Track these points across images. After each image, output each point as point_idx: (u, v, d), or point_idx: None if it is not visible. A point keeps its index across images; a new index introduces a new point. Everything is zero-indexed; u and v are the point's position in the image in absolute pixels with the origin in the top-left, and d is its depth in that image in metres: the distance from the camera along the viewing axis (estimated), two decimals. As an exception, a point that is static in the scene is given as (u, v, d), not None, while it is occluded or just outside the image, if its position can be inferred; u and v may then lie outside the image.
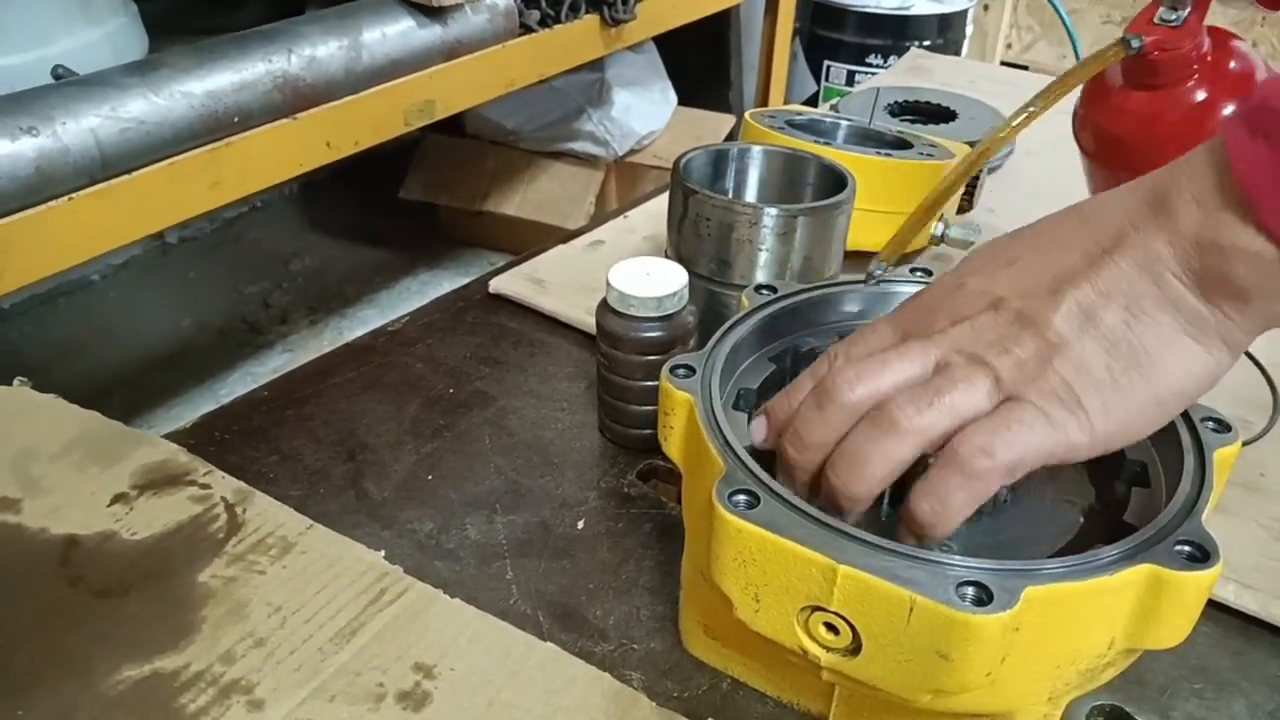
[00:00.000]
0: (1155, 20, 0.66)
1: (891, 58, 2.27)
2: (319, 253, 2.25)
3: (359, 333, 0.78)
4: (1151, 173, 0.40)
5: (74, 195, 0.90)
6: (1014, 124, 0.60)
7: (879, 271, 0.54)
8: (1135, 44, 0.65)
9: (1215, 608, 0.54)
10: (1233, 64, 0.68)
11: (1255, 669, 0.51)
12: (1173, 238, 0.38)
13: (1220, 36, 0.69)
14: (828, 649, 0.40)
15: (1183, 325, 0.38)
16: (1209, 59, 0.67)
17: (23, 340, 1.87)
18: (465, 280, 0.85)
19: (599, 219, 0.94)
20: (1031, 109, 0.60)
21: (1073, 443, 0.38)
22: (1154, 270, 0.38)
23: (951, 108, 1.04)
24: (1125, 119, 0.71)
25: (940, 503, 0.39)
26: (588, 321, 0.75)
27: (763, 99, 2.16)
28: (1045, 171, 1.04)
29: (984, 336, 0.40)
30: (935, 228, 0.82)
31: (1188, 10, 0.65)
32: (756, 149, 0.74)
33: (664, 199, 0.73)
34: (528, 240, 1.30)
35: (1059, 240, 0.41)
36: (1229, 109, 0.67)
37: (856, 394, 0.41)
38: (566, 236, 0.90)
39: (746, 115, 0.82)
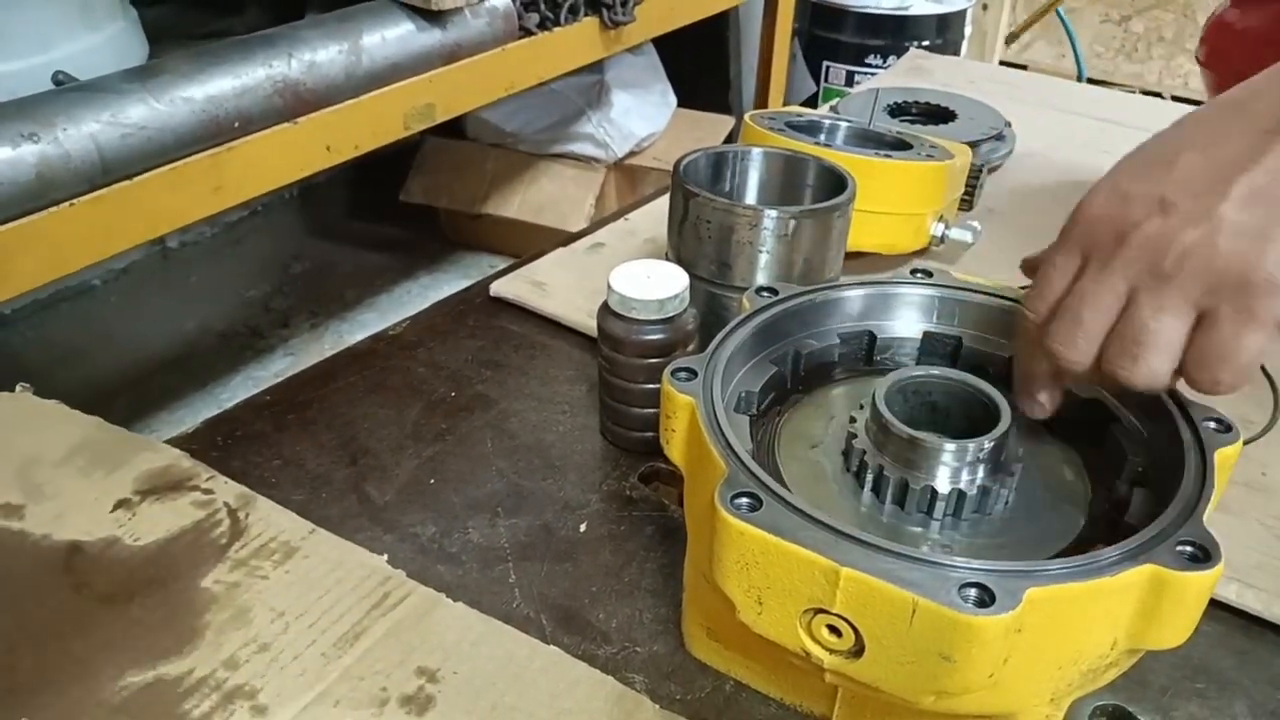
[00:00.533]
0: None
1: (890, 58, 2.27)
2: (320, 256, 2.25)
3: (360, 336, 0.78)
4: None
5: (75, 201, 0.90)
6: None
7: None
8: None
9: (1217, 607, 0.54)
10: None
11: (1258, 668, 0.51)
12: None
13: None
14: (830, 651, 0.40)
15: None
16: None
17: (24, 346, 1.87)
18: (465, 283, 0.85)
19: (599, 221, 0.94)
20: None
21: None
22: None
23: (951, 108, 1.04)
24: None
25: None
26: (589, 324, 0.75)
27: (762, 100, 2.16)
28: (1044, 171, 1.04)
29: (1160, 246, 0.41)
30: (935, 228, 0.82)
31: None
32: (756, 151, 0.74)
33: (664, 201, 0.73)
34: (528, 243, 1.30)
35: (1217, 131, 0.42)
36: None
37: (1080, 354, 0.44)
38: (567, 239, 0.90)
39: (746, 117, 0.82)
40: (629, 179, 2.11)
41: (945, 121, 1.02)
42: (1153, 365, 0.42)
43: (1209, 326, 0.41)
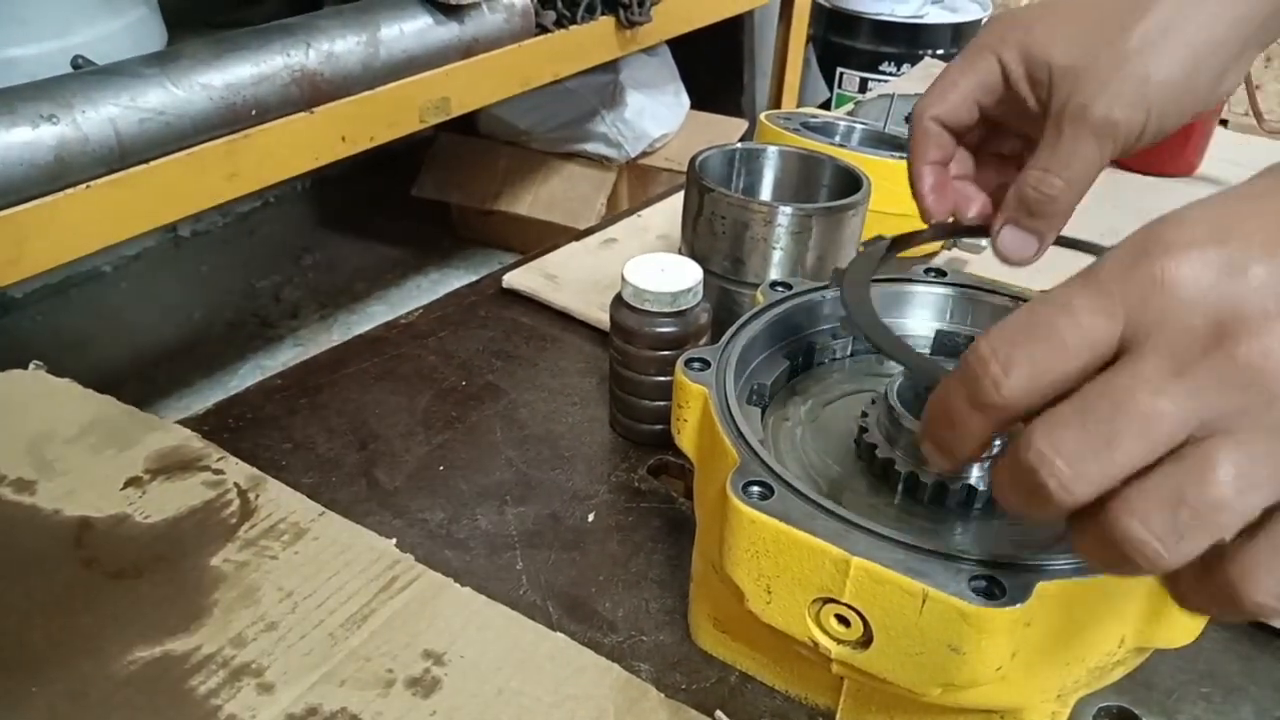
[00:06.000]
0: None
1: (904, 66, 2.27)
2: (330, 248, 2.25)
3: (368, 328, 0.78)
4: None
5: (92, 183, 0.91)
6: None
7: None
8: None
9: (1224, 613, 0.54)
10: None
11: (1263, 673, 0.51)
12: None
13: None
14: (839, 641, 0.40)
15: None
16: None
17: (34, 330, 1.88)
18: (475, 279, 0.86)
19: (611, 219, 0.95)
20: None
21: None
22: None
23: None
24: None
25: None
26: (599, 317, 0.75)
27: (775, 104, 2.17)
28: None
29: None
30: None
31: None
32: (772, 149, 0.74)
33: (678, 198, 0.73)
34: (538, 240, 1.30)
35: None
36: None
37: (1080, 491, 0.28)
38: (580, 234, 0.91)
39: (762, 116, 0.82)
40: (641, 179, 2.11)
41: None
42: (1195, 546, 0.27)
43: None
